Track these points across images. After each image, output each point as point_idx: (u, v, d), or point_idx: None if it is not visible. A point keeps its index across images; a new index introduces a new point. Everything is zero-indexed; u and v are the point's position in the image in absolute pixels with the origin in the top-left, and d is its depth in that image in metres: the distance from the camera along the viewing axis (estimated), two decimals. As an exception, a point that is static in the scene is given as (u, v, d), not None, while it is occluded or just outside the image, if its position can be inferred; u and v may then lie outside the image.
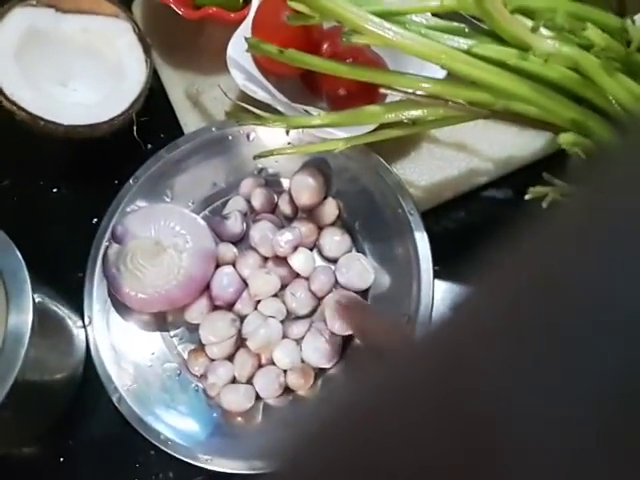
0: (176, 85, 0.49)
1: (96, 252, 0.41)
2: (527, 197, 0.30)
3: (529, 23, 0.28)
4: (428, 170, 0.44)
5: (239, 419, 0.38)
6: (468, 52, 0.28)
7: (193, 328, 0.41)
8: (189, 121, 0.48)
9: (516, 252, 0.12)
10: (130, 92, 0.45)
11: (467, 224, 0.44)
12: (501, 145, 0.44)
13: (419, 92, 0.32)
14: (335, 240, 0.41)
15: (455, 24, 0.30)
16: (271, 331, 0.37)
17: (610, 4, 0.31)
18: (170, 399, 0.38)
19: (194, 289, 0.40)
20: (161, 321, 0.41)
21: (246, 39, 0.36)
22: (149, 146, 0.48)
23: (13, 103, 0.42)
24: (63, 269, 0.44)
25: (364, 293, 0.40)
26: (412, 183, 0.44)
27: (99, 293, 0.40)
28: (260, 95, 0.40)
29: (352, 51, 0.40)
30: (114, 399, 0.38)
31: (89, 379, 0.40)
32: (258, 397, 0.38)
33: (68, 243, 0.45)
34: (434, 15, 0.30)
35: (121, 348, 0.40)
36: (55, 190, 0.48)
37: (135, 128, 0.45)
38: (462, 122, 0.32)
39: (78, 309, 0.41)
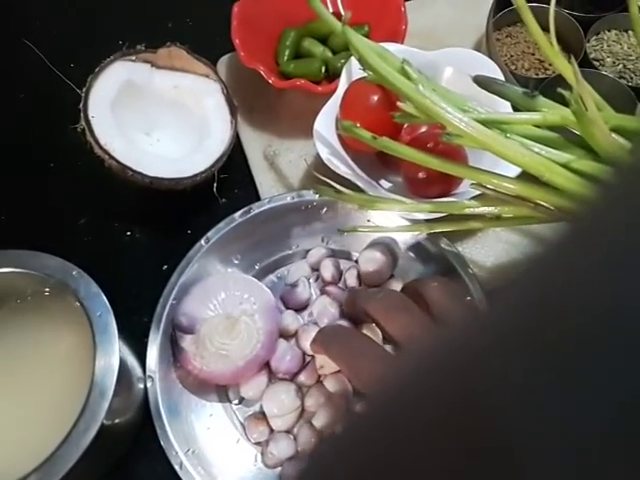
0: (254, 145, 0.51)
1: (162, 310, 0.41)
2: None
3: (624, 142, 0.30)
4: (494, 252, 0.45)
5: None
6: (565, 165, 0.29)
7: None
8: (264, 181, 0.50)
9: (526, 273, 0.13)
10: (214, 150, 0.47)
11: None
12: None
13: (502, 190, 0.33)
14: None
15: (551, 133, 0.31)
16: (336, 410, 0.38)
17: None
18: (229, 465, 0.39)
19: (275, 342, 0.41)
20: (220, 387, 0.42)
21: (340, 122, 0.38)
22: (224, 200, 0.50)
23: (105, 152, 0.44)
24: (129, 313, 0.45)
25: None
26: (477, 263, 0.45)
27: (163, 350, 0.41)
28: (342, 170, 0.41)
29: (431, 136, 0.42)
30: (175, 466, 0.37)
31: (147, 422, 0.41)
32: None
33: (136, 287, 0.47)
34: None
35: (180, 408, 0.40)
36: (128, 234, 0.50)
37: (215, 184, 0.47)
38: (543, 223, 0.34)
39: (139, 354, 0.42)
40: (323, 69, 0.52)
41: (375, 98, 0.41)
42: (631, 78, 0.48)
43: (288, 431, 0.40)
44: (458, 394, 0.12)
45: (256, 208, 0.44)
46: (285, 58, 0.52)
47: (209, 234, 0.43)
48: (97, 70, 0.47)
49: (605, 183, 0.13)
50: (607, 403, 0.09)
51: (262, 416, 0.40)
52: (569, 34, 0.50)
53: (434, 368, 0.14)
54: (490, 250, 0.45)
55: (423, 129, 0.43)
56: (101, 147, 0.45)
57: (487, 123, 0.30)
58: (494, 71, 0.44)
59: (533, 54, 0.49)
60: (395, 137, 0.42)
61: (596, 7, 0.52)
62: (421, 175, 0.40)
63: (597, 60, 0.49)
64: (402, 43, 0.48)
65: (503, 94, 0.34)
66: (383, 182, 0.47)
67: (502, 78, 0.43)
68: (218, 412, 0.41)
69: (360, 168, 0.44)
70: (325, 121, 0.43)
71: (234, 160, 0.50)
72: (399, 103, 0.33)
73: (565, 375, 0.10)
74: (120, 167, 0.45)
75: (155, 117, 0.49)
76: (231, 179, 0.50)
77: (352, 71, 0.45)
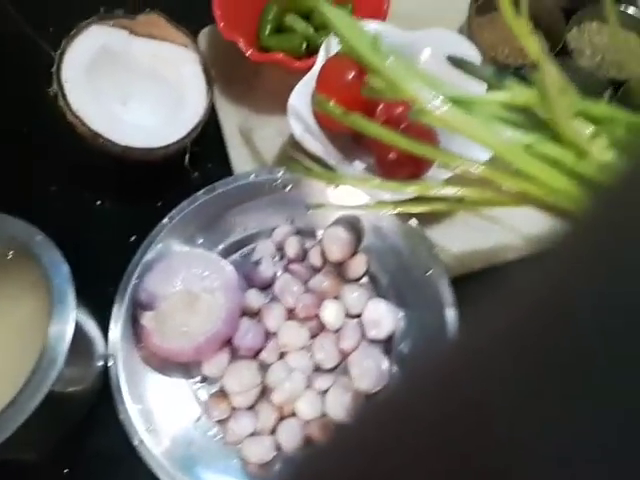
0: (230, 118, 0.51)
1: (125, 288, 0.41)
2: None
3: (588, 127, 0.30)
4: (460, 238, 0.45)
5: (257, 469, 0.38)
6: (528, 147, 0.29)
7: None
8: (237, 155, 0.49)
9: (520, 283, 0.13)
10: (188, 121, 0.46)
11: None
12: (535, 224, 0.45)
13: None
14: (354, 296, 0.41)
15: (519, 116, 0.31)
16: (295, 385, 0.38)
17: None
18: (188, 444, 0.39)
19: (236, 319, 0.41)
20: (182, 365, 0.41)
21: (314, 96, 0.38)
22: (196, 174, 0.49)
23: (78, 118, 0.44)
24: (94, 283, 0.44)
25: (388, 346, 0.41)
26: (443, 248, 0.45)
27: (126, 327, 0.40)
28: (314, 148, 0.41)
29: (405, 117, 0.42)
30: (135, 441, 0.38)
31: (105, 393, 0.40)
32: (279, 447, 0.39)
33: (103, 257, 0.46)
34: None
35: (142, 385, 0.40)
36: (99, 203, 0.49)
37: (187, 156, 0.47)
38: (507, 206, 0.34)
39: (103, 325, 0.41)
40: (304, 45, 0.51)
41: (351, 75, 0.41)
42: (608, 71, 0.48)
43: (249, 408, 0.40)
44: (455, 404, 0.12)
45: (220, 187, 0.44)
46: (267, 32, 0.52)
47: (172, 213, 0.43)
48: (72, 33, 0.46)
49: (608, 185, 0.13)
50: (610, 413, 0.09)
51: (224, 394, 0.40)
52: (551, 22, 0.49)
53: (432, 379, 0.14)
54: (457, 236, 0.45)
55: (398, 110, 0.43)
56: (73, 113, 0.44)
57: (454, 101, 0.30)
58: (472, 54, 0.44)
59: (514, 41, 0.49)
60: (369, 117, 0.42)
61: (581, -3, 0.51)
62: (391, 156, 0.40)
63: (577, 51, 0.49)
64: (384, 21, 0.48)
65: (476, 73, 0.33)
66: (357, 163, 0.46)
67: (479, 61, 0.43)
68: (180, 390, 0.41)
69: (335, 147, 0.44)
70: (301, 97, 0.43)
71: (209, 133, 0.50)
72: (368, 77, 0.33)
73: (568, 385, 0.10)
74: (92, 134, 0.44)
75: (131, 85, 0.49)
76: (205, 152, 0.50)
77: (331, 47, 0.45)
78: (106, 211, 0.49)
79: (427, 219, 0.45)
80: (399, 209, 0.36)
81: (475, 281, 0.44)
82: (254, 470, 0.39)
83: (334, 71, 0.42)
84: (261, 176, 0.44)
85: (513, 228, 0.45)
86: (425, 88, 0.30)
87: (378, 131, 0.34)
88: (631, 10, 0.49)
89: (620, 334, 0.10)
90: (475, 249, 0.44)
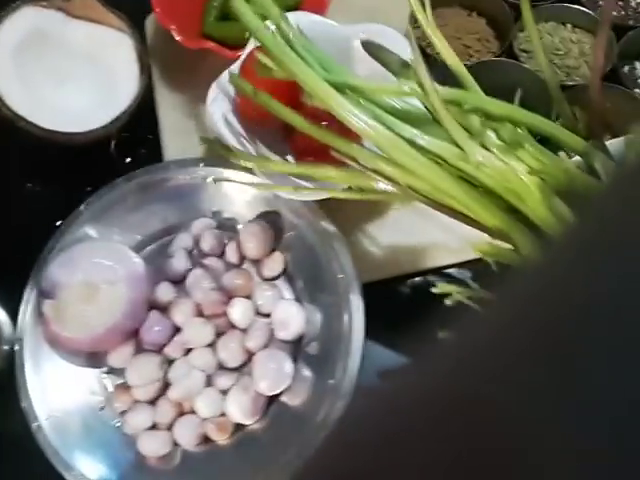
0: (168, 106, 0.50)
1: (36, 273, 0.40)
2: (434, 291, 0.30)
3: (478, 121, 0.28)
4: (390, 240, 0.43)
5: (155, 462, 0.38)
6: (412, 141, 0.27)
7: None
8: (171, 143, 0.48)
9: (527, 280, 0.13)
10: (117, 108, 0.45)
11: (415, 301, 0.43)
12: (468, 230, 0.43)
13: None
14: (265, 296, 0.40)
15: (412, 109, 0.30)
16: (194, 383, 0.37)
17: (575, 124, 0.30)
18: (88, 433, 0.38)
19: (140, 312, 0.40)
20: (91, 354, 0.41)
21: (230, 73, 0.37)
22: (128, 159, 0.48)
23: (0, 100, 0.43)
24: (12, 266, 0.44)
25: (297, 347, 0.39)
26: (370, 249, 0.43)
27: (36, 312, 0.40)
28: (229, 138, 0.39)
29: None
30: (33, 427, 0.37)
31: (11, 377, 0.39)
32: (176, 443, 0.38)
33: (27, 241, 0.45)
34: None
35: (47, 371, 0.39)
36: (29, 185, 0.48)
37: (113, 143, 0.46)
38: (403, 201, 0.32)
39: (16, 306, 0.41)
40: (247, 33, 0.50)
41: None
42: (555, 74, 0.46)
43: (150, 402, 0.39)
44: (460, 398, 0.12)
45: (140, 174, 0.43)
46: (210, 19, 0.50)
47: (90, 199, 0.42)
48: (2, 13, 0.45)
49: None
50: (612, 404, 0.09)
51: (127, 386, 0.39)
52: (503, 20, 0.47)
53: (435, 376, 0.13)
54: (387, 238, 0.43)
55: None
56: (-5, 93, 0.43)
57: (342, 89, 0.28)
58: (407, 51, 0.42)
59: (460, 38, 0.47)
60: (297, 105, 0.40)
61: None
62: (308, 144, 0.39)
63: (526, 52, 0.47)
64: (324, 14, 0.46)
65: (384, 62, 0.32)
66: (289, 158, 0.45)
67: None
68: (86, 379, 0.40)
69: (262, 142, 0.42)
70: (225, 86, 0.42)
71: (147, 119, 0.49)
72: (257, 53, 0.31)
73: (570, 377, 0.10)
74: (14, 116, 0.43)
75: (64, 68, 0.48)
76: (140, 138, 0.49)
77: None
78: (35, 195, 0.48)
79: (358, 218, 0.43)
80: (297, 193, 0.34)
81: (401, 284, 0.43)
82: (150, 463, 0.38)
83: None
84: (183, 166, 0.43)
85: (445, 232, 0.43)
86: (314, 74, 0.28)
87: (285, 112, 0.33)
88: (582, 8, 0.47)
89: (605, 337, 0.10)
90: (404, 251, 0.43)
